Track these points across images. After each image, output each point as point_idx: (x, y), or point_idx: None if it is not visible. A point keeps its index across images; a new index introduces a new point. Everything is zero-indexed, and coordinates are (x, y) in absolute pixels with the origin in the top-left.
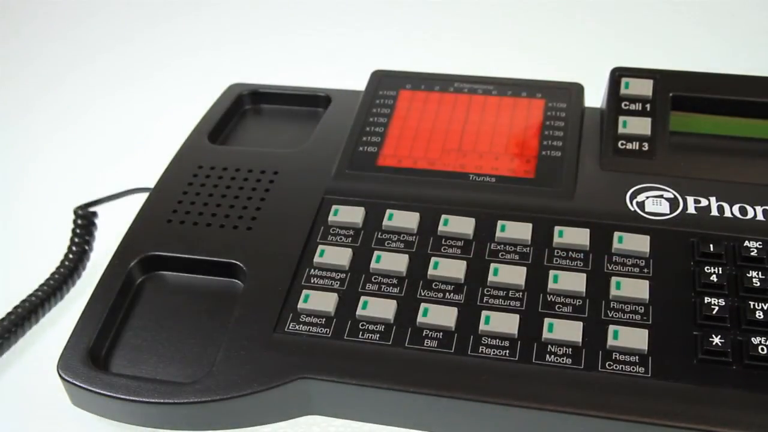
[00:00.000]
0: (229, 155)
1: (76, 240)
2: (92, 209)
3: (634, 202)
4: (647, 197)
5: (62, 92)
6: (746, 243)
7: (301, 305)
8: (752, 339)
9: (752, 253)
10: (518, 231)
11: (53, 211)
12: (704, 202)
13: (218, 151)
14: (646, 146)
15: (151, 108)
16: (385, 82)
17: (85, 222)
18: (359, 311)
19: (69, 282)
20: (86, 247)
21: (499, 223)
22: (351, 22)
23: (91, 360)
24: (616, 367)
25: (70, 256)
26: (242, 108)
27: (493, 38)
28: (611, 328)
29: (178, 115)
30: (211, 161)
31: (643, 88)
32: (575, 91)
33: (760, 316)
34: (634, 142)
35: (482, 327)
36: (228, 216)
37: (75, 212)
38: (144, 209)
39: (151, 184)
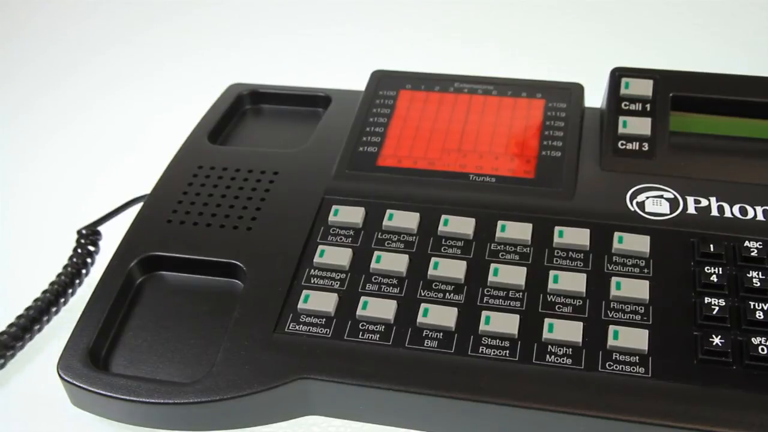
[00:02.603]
0: (229, 155)
1: (75, 260)
2: (97, 228)
3: (634, 202)
4: (647, 197)
5: (62, 92)
6: (746, 243)
7: (301, 305)
8: (752, 339)
9: (752, 253)
10: (518, 231)
11: (53, 212)
12: (704, 202)
13: (218, 151)
14: (646, 146)
15: (151, 108)
16: (385, 82)
17: (88, 242)
18: (359, 311)
19: (64, 297)
20: (83, 270)
21: (499, 223)
22: (351, 22)
23: (91, 360)
24: (616, 367)
25: (63, 278)
26: (242, 108)
27: (493, 38)
28: (611, 328)
29: (178, 115)
30: (211, 161)
31: (643, 88)
32: (575, 91)
33: (760, 316)
34: (634, 142)
35: (482, 327)
36: (228, 216)
37: (79, 233)
38: (144, 209)
39: (151, 185)
